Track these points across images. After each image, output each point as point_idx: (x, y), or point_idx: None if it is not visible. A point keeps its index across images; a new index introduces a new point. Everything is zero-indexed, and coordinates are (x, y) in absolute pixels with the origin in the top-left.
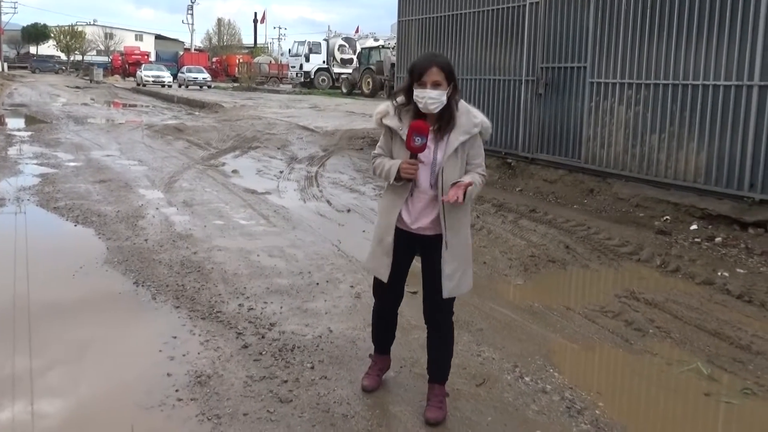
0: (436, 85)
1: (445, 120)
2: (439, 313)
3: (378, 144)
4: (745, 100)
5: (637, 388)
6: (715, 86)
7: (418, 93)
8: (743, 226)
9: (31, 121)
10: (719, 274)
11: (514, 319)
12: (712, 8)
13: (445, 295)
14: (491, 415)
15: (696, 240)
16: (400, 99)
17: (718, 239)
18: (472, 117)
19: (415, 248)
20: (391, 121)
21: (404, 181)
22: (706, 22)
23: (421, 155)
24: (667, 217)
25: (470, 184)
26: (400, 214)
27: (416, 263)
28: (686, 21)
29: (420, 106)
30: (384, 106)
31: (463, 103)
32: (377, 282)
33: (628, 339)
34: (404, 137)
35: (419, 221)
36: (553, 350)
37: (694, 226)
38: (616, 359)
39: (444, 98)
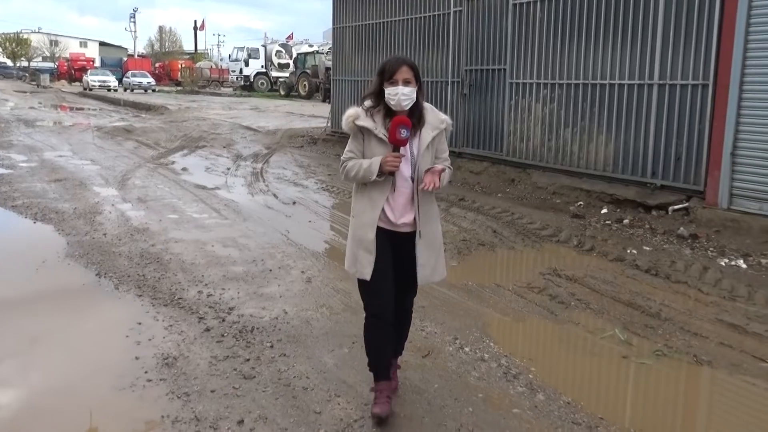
0: (406, 83)
1: (416, 117)
2: (410, 302)
3: (346, 149)
4: (647, 97)
5: (564, 353)
6: (620, 85)
7: (390, 91)
8: (647, 209)
9: None
10: (628, 251)
11: (452, 297)
12: (616, 17)
13: (421, 282)
14: (437, 383)
15: (607, 222)
16: (368, 102)
17: (625, 221)
18: (437, 114)
19: (393, 247)
20: (365, 122)
21: (386, 176)
22: (611, 28)
23: (402, 149)
24: (581, 202)
25: (443, 169)
26: (382, 213)
27: None
28: (594, 27)
29: (392, 103)
30: (353, 110)
31: (427, 104)
32: (363, 288)
33: (553, 311)
34: (381, 135)
35: (403, 216)
36: (488, 323)
37: (604, 210)
38: (543, 329)
39: (414, 95)
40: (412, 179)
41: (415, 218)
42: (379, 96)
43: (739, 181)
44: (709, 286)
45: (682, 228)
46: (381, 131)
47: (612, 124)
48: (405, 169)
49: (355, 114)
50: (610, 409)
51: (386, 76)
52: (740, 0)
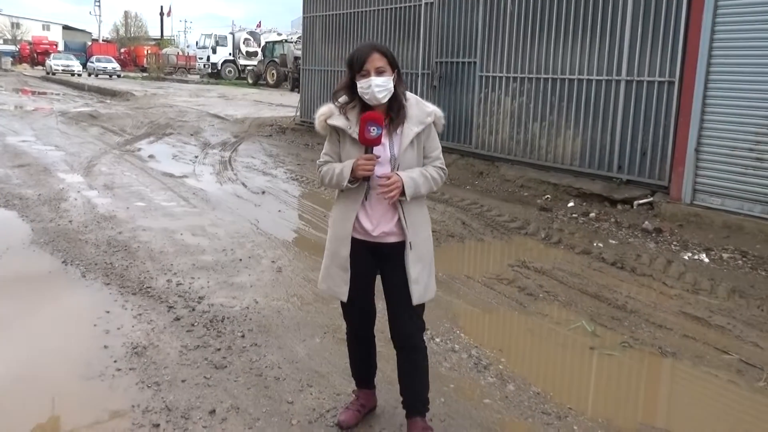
0: (380, 72)
1: (395, 111)
2: (411, 328)
3: (323, 152)
4: (614, 93)
5: (533, 344)
6: (589, 80)
7: (363, 84)
8: (613, 203)
9: None
10: (595, 244)
11: None
12: (586, 12)
13: (415, 301)
14: None
15: (573, 215)
16: (342, 98)
17: (592, 214)
18: (423, 106)
19: (375, 261)
20: (338, 121)
21: (359, 182)
22: (581, 24)
23: (376, 150)
24: (548, 195)
25: (397, 179)
26: (357, 223)
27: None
28: (564, 23)
29: (367, 98)
30: (325, 107)
31: (411, 95)
32: (342, 305)
33: (521, 303)
34: (354, 134)
35: (381, 226)
36: (458, 314)
37: (571, 204)
38: (512, 320)
39: (390, 85)
40: None
41: (401, 227)
42: (352, 90)
43: (702, 177)
44: (673, 279)
45: (646, 222)
46: (354, 131)
47: (580, 119)
48: (381, 172)
49: (327, 112)
50: (578, 399)
51: (356, 67)
52: (706, 1)
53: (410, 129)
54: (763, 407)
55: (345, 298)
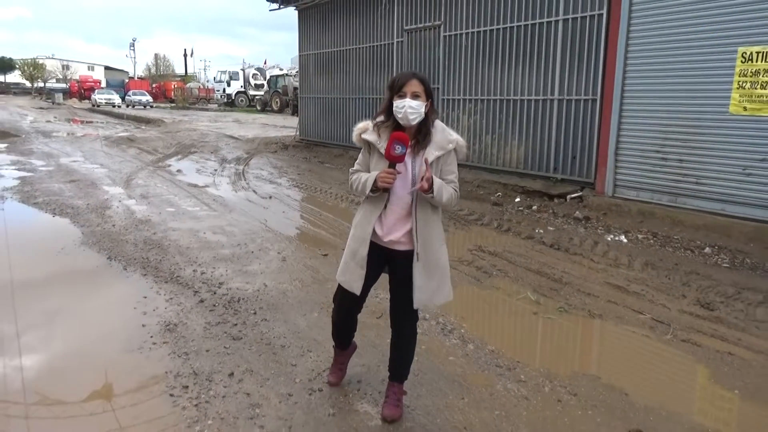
0: (415, 96)
1: (422, 135)
2: (408, 321)
3: (356, 161)
4: (549, 109)
5: (488, 312)
6: (529, 100)
7: (398, 103)
8: (550, 197)
9: (4, 135)
10: (537, 231)
11: None
12: (524, 45)
13: (416, 305)
14: (389, 337)
15: (520, 209)
16: (380, 118)
17: (534, 207)
18: (447, 134)
19: (384, 263)
20: (370, 136)
21: (380, 192)
22: (521, 55)
23: (398, 167)
24: (499, 193)
25: (431, 177)
26: (373, 228)
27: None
28: (508, 54)
29: (399, 116)
30: (363, 123)
31: (439, 123)
32: (341, 290)
33: (479, 279)
34: (382, 150)
35: (391, 234)
36: None
37: (517, 199)
38: (471, 293)
39: (423, 110)
40: (412, 200)
41: (411, 237)
42: (389, 111)
43: (620, 174)
44: (599, 256)
45: (577, 212)
46: (383, 146)
47: (522, 131)
48: (399, 187)
49: (363, 127)
50: (525, 354)
51: (396, 89)
52: (620, 34)
53: (431, 153)
54: (670, 355)
55: (358, 292)
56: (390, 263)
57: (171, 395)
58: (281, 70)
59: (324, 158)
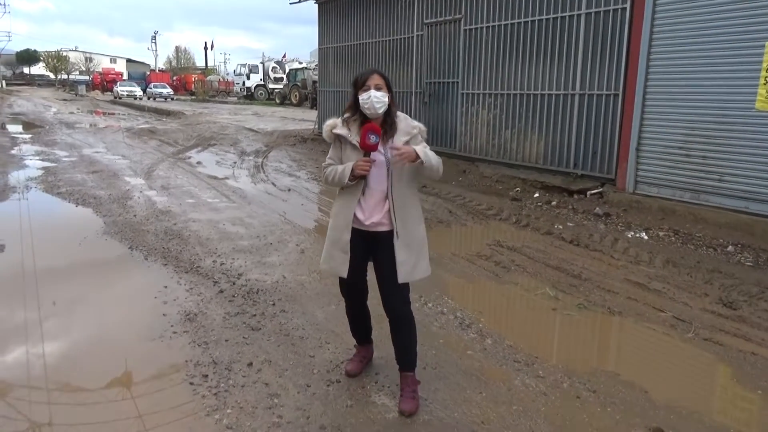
0: (378, 88)
1: (388, 125)
2: (396, 301)
3: (328, 156)
4: (570, 104)
5: (506, 307)
6: (549, 95)
7: (364, 96)
8: (570, 193)
9: (29, 126)
10: (556, 227)
11: None
12: (546, 39)
13: (400, 279)
14: None
15: (539, 204)
16: (347, 114)
17: (553, 203)
18: (409, 122)
19: (368, 246)
20: (341, 130)
21: (358, 180)
22: (542, 49)
23: (372, 155)
24: (518, 188)
25: (410, 150)
26: (354, 214)
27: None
28: (529, 48)
29: (366, 107)
30: (332, 120)
31: (401, 113)
32: (341, 282)
33: (497, 274)
34: (354, 142)
35: (373, 217)
36: (446, 284)
37: (536, 194)
38: (490, 288)
39: (386, 99)
40: (387, 185)
41: (390, 219)
42: (355, 106)
43: (642, 170)
44: (619, 253)
45: (597, 208)
46: (354, 138)
47: (542, 126)
48: (376, 173)
49: (333, 123)
50: (543, 350)
51: (360, 85)
52: (643, 28)
53: (399, 139)
54: (691, 354)
55: (345, 275)
56: (373, 246)
57: (191, 383)
58: (300, 63)
59: None
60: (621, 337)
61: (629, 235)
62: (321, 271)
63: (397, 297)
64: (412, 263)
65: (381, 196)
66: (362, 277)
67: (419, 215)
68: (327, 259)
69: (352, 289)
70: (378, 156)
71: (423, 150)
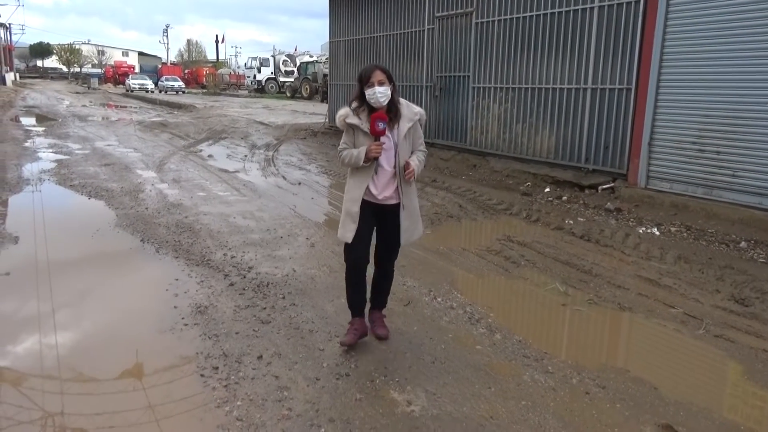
0: (381, 83)
1: (393, 113)
2: (391, 258)
3: (342, 141)
4: (582, 98)
5: (516, 302)
6: (561, 89)
7: (369, 92)
8: (581, 188)
9: (43, 119)
10: (566, 222)
11: (427, 258)
12: (558, 33)
13: (402, 242)
14: (416, 326)
15: (549, 199)
16: (354, 104)
17: (564, 198)
18: (411, 108)
19: (375, 218)
20: (353, 119)
21: (371, 161)
22: (554, 43)
23: (382, 139)
24: (529, 183)
25: (412, 168)
26: (368, 189)
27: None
28: (541, 42)
29: (372, 101)
30: (343, 110)
31: (402, 99)
32: (345, 246)
33: (507, 269)
34: (366, 129)
35: (384, 192)
36: (456, 278)
37: (547, 189)
38: (499, 283)
39: (389, 92)
40: (395, 164)
41: (397, 193)
42: (361, 98)
43: (654, 165)
44: (630, 248)
45: (609, 203)
46: (365, 126)
47: (554, 120)
48: (386, 155)
49: (345, 113)
50: (553, 345)
51: (364, 81)
52: (657, 22)
53: (404, 125)
54: (702, 350)
55: (350, 240)
56: (380, 216)
57: (201, 375)
58: (311, 56)
59: None
60: (631, 333)
61: (641, 231)
62: (338, 237)
63: (393, 256)
64: (411, 229)
65: (391, 174)
66: (365, 245)
67: (415, 188)
68: (341, 226)
69: (354, 251)
70: (387, 141)
71: (417, 166)
